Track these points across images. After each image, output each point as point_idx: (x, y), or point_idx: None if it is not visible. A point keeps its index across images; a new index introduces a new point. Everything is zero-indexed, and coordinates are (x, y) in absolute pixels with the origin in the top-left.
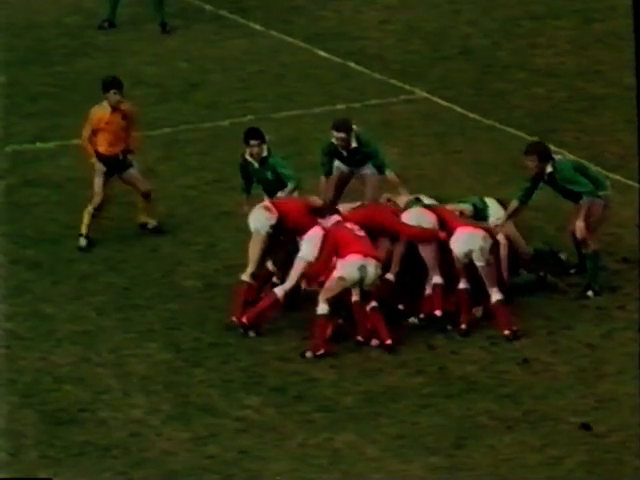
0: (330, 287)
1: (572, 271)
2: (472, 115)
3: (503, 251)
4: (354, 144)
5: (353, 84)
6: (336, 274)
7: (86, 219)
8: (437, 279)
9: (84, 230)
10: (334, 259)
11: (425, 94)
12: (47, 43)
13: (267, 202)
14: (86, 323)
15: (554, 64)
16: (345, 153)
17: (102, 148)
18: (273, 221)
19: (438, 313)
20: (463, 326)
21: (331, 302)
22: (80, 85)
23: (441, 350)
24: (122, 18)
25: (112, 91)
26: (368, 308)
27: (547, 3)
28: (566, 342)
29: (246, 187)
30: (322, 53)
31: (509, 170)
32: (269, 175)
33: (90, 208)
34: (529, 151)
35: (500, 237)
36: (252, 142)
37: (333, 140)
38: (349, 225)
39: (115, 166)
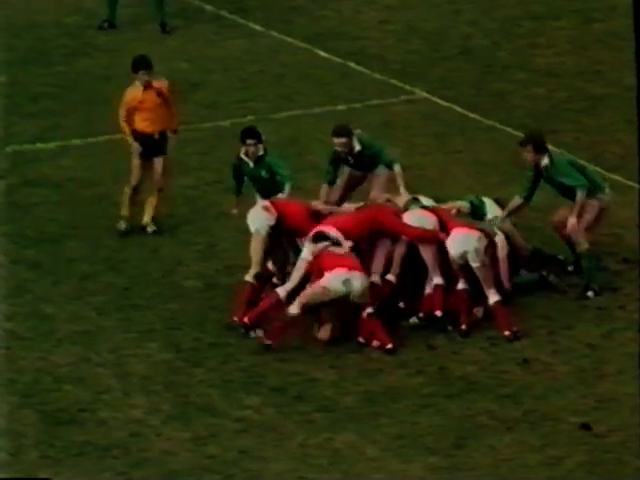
0: (311, 293)
1: (570, 268)
2: (472, 115)
3: (502, 252)
4: (357, 147)
5: (353, 84)
6: (321, 282)
7: (125, 200)
8: (438, 280)
9: (126, 212)
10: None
11: (425, 94)
12: (47, 43)
13: (266, 202)
14: (86, 323)
15: (554, 64)
16: (351, 159)
17: (139, 126)
18: (272, 222)
19: (438, 313)
20: (463, 326)
21: (306, 307)
22: (80, 85)
23: (441, 350)
24: (122, 18)
25: (140, 72)
26: (364, 315)
27: (547, 3)
28: (566, 342)
29: (237, 188)
30: (322, 53)
31: (509, 170)
32: (263, 174)
33: (127, 189)
34: (524, 141)
35: (499, 238)
36: (249, 141)
37: (336, 148)
38: (332, 249)
39: (151, 146)
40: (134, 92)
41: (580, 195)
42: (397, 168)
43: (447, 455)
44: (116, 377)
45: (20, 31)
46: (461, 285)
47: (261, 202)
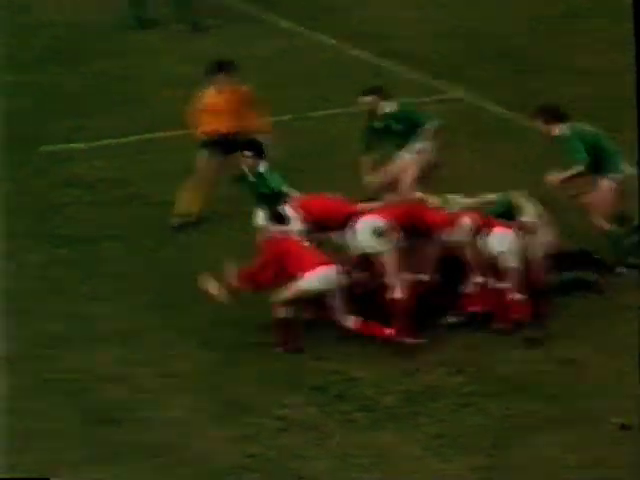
0: (292, 294)
1: (618, 270)
2: (509, 114)
3: (538, 252)
4: (386, 109)
5: (386, 83)
6: (303, 285)
7: (184, 196)
8: (477, 278)
9: (179, 209)
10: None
11: (460, 93)
12: (80, 43)
13: (293, 200)
14: (125, 323)
15: (594, 63)
16: (380, 124)
17: (210, 128)
18: (300, 219)
19: (478, 312)
20: (503, 325)
21: (289, 305)
22: (112, 85)
23: (481, 349)
24: (153, 17)
25: (222, 73)
26: (355, 328)
27: (586, 2)
28: (606, 342)
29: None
30: (355, 52)
31: (544, 169)
32: (264, 189)
33: (189, 184)
34: (536, 113)
35: (539, 236)
36: (246, 153)
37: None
38: (297, 240)
39: (223, 146)
40: (209, 94)
41: (573, 169)
42: (430, 124)
43: (487, 455)
44: (157, 376)
45: (54, 30)
46: (501, 284)
47: (293, 198)
